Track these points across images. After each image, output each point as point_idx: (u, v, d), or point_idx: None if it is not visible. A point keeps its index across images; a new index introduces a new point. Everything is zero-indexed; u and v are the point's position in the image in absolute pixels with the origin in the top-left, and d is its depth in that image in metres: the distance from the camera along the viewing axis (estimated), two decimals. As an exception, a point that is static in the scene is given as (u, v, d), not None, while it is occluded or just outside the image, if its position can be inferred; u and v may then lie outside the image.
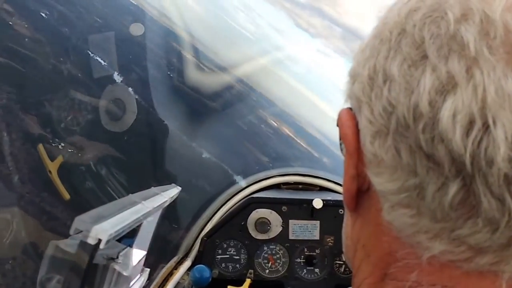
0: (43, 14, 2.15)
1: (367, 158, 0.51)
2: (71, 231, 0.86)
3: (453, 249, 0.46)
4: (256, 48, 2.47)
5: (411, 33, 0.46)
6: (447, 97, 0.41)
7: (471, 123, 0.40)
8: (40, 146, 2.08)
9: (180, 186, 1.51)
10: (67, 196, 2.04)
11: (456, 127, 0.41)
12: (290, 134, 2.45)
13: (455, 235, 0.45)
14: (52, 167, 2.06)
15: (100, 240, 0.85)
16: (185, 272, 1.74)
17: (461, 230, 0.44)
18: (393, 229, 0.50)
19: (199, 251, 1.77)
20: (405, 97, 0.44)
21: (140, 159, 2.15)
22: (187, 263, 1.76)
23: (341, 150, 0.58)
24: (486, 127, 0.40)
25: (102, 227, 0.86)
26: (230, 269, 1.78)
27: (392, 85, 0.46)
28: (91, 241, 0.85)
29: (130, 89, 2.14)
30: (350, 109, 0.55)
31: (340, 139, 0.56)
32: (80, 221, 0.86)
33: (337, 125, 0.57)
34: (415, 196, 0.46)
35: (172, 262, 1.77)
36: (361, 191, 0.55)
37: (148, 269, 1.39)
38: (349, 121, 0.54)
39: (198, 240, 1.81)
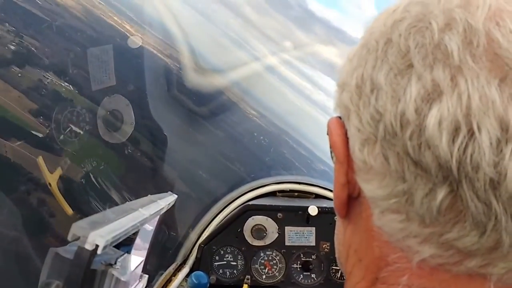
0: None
1: (357, 166, 0.52)
2: (69, 237, 0.88)
3: (442, 253, 0.47)
4: (248, 54, 2.49)
5: (397, 43, 0.47)
6: (433, 104, 0.43)
7: (456, 130, 0.41)
8: (40, 159, 2.10)
9: (177, 194, 1.53)
10: (69, 211, 2.04)
11: (442, 133, 0.42)
12: (288, 141, 2.47)
13: (443, 239, 0.46)
14: (52, 179, 2.07)
15: (97, 246, 0.87)
16: (183, 279, 1.76)
17: (449, 234, 0.45)
18: (384, 234, 0.51)
19: (196, 257, 1.80)
20: (392, 105, 0.45)
21: (138, 169, 2.17)
22: (185, 270, 1.78)
23: (332, 158, 0.59)
24: (471, 133, 0.41)
25: (100, 233, 0.88)
26: (227, 275, 1.81)
27: (379, 93, 0.47)
28: (89, 246, 0.86)
29: (127, 100, 2.16)
30: (339, 117, 0.57)
31: (330, 147, 0.58)
32: (77, 227, 0.87)
33: (327, 134, 0.58)
34: (404, 202, 0.47)
35: (170, 269, 1.79)
36: (352, 198, 0.56)
37: (147, 276, 1.41)
38: (338, 130, 0.55)
39: (196, 247, 1.83)
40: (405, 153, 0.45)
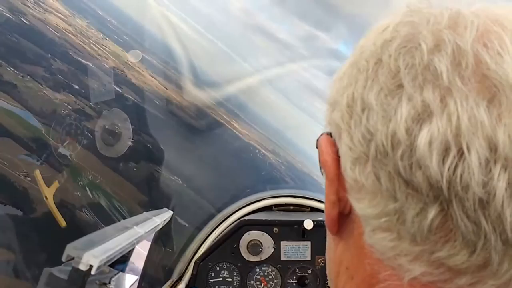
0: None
1: (348, 184, 0.53)
2: (63, 258, 0.88)
3: (433, 271, 0.47)
4: (245, 68, 2.50)
5: (387, 63, 0.48)
6: (423, 125, 0.43)
7: (446, 150, 0.42)
8: (37, 172, 2.10)
9: (173, 210, 1.54)
10: (63, 223, 2.04)
11: (432, 154, 0.43)
12: (284, 156, 2.47)
13: (434, 257, 0.46)
14: (48, 192, 2.08)
15: (91, 266, 0.87)
16: (179, 295, 1.76)
17: (440, 252, 0.46)
18: (375, 252, 0.52)
19: (192, 274, 1.79)
20: (383, 125, 0.46)
21: (135, 183, 2.17)
22: (181, 286, 1.78)
23: (322, 173, 0.59)
24: (461, 153, 0.42)
25: (94, 253, 0.88)
26: (223, 291, 1.80)
27: (370, 113, 0.48)
28: (83, 267, 0.86)
29: (125, 114, 2.16)
30: (329, 134, 0.57)
31: (320, 165, 0.58)
32: (71, 247, 0.87)
33: (317, 147, 0.59)
34: (395, 221, 0.47)
35: (166, 286, 1.79)
36: (343, 215, 0.57)
37: (142, 293, 1.41)
38: (329, 148, 0.56)
39: (192, 264, 1.83)
40: (396, 172, 0.45)
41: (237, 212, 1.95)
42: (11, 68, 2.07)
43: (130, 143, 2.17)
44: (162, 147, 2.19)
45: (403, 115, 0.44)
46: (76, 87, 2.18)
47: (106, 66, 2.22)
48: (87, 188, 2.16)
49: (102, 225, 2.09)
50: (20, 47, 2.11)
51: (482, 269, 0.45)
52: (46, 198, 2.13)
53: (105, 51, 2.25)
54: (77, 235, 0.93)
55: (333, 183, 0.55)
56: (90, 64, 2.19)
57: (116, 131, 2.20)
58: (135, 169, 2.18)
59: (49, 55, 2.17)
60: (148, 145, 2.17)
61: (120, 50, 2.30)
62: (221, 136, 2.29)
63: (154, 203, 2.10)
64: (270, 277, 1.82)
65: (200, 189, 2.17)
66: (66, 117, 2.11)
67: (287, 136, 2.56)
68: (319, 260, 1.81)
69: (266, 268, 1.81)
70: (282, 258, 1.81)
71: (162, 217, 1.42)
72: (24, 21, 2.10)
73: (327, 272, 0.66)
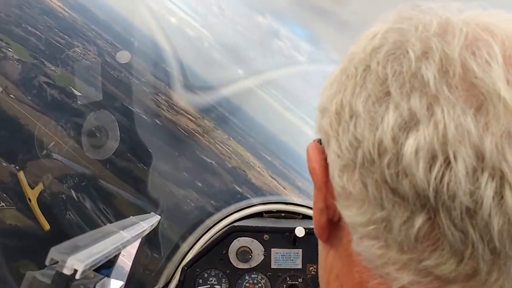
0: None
1: (336, 191, 0.52)
2: (47, 262, 0.85)
3: (421, 279, 0.47)
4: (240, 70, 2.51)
5: (375, 70, 0.48)
6: (410, 133, 0.43)
7: (433, 159, 0.42)
8: (21, 173, 2.06)
9: (161, 215, 1.50)
10: (47, 226, 2.00)
11: (419, 162, 0.42)
12: (274, 163, 2.45)
13: (422, 266, 0.46)
14: (32, 195, 2.03)
15: (76, 271, 0.84)
16: (165, 302, 1.72)
17: (427, 261, 0.45)
18: (363, 260, 0.51)
19: (179, 280, 1.74)
20: (370, 132, 0.46)
21: (122, 187, 2.14)
22: (167, 293, 1.74)
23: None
24: (447, 162, 0.41)
25: (78, 258, 0.86)
26: (211, 299, 1.76)
27: (357, 120, 0.48)
28: (67, 271, 0.84)
29: (113, 116, 2.14)
30: (319, 141, 0.57)
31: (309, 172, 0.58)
32: (56, 251, 0.85)
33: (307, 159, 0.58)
34: (383, 229, 0.47)
35: (152, 292, 1.75)
36: (333, 222, 0.56)
37: (127, 299, 1.37)
38: (317, 156, 0.56)
39: (179, 270, 1.78)
40: (383, 181, 0.45)
41: (226, 218, 1.92)
42: (141, 164, 2.19)
43: (117, 146, 2.15)
44: (149, 150, 2.17)
45: (390, 123, 0.44)
46: (199, 184, 2.23)
47: (229, 165, 2.31)
48: (72, 191, 2.12)
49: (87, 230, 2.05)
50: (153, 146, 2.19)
51: (471, 278, 0.45)
52: (30, 201, 2.08)
53: (228, 151, 2.35)
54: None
55: (321, 190, 0.55)
56: (213, 163, 2.28)
57: (103, 133, 2.17)
58: (121, 171, 2.16)
59: (177, 153, 2.28)
60: (135, 147, 2.16)
61: (243, 150, 2.39)
62: (211, 139, 2.30)
63: (140, 207, 2.08)
64: (259, 285, 1.78)
65: (188, 193, 2.15)
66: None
67: (282, 141, 2.57)
68: (310, 268, 1.79)
69: (256, 275, 1.78)
70: (273, 266, 1.78)
71: (149, 221, 1.38)
72: (158, 122, 2.26)
73: (319, 279, 0.66)
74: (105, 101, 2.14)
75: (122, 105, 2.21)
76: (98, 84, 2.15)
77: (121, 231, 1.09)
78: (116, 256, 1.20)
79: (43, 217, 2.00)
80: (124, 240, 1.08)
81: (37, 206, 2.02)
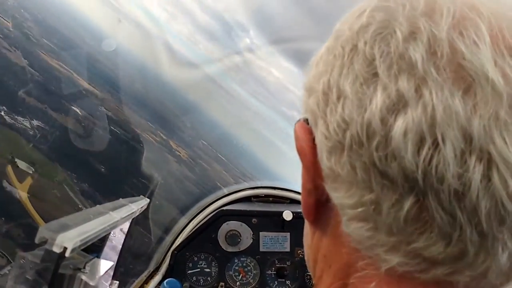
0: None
1: (325, 173, 0.52)
2: (37, 240, 0.85)
3: (409, 261, 0.47)
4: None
5: (363, 50, 0.47)
6: (398, 116, 0.43)
7: (421, 141, 0.42)
8: (9, 168, 2.06)
9: (149, 199, 1.51)
10: (41, 223, 2.00)
11: (407, 145, 0.42)
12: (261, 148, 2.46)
13: (410, 248, 0.46)
14: (22, 189, 2.03)
15: (65, 249, 0.84)
16: (155, 286, 1.72)
17: (416, 243, 0.45)
18: (352, 241, 0.51)
19: (169, 264, 1.76)
20: (358, 114, 0.45)
21: (112, 172, 2.14)
22: (158, 277, 1.75)
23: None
24: (436, 145, 0.41)
25: (68, 236, 0.86)
26: (201, 282, 1.78)
27: (345, 102, 0.47)
28: (57, 249, 0.84)
29: (101, 106, 2.14)
30: (305, 121, 0.56)
31: (297, 152, 0.56)
32: (45, 229, 0.85)
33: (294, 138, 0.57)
34: (372, 211, 0.47)
35: (142, 276, 1.76)
36: (321, 203, 0.55)
37: (117, 282, 1.38)
38: (305, 135, 0.54)
39: (169, 254, 1.80)
40: (371, 163, 0.45)
41: (215, 203, 1.94)
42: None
43: (107, 135, 2.15)
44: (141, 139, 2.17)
45: (378, 105, 0.44)
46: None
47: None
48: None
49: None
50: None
51: (459, 260, 0.45)
52: (20, 195, 2.09)
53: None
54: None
55: (309, 171, 0.54)
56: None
57: (92, 123, 2.17)
58: (112, 156, 2.16)
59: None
60: (125, 133, 2.16)
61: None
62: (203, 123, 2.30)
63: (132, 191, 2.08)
64: (248, 268, 1.80)
65: (178, 178, 2.16)
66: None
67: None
68: (299, 251, 1.81)
69: (245, 259, 1.80)
70: (261, 249, 1.80)
71: (138, 204, 1.39)
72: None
73: (305, 258, 0.66)
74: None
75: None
76: None
77: (110, 212, 1.10)
78: (106, 237, 1.21)
79: (33, 209, 2.01)
80: (113, 220, 1.09)
81: (29, 202, 2.02)
